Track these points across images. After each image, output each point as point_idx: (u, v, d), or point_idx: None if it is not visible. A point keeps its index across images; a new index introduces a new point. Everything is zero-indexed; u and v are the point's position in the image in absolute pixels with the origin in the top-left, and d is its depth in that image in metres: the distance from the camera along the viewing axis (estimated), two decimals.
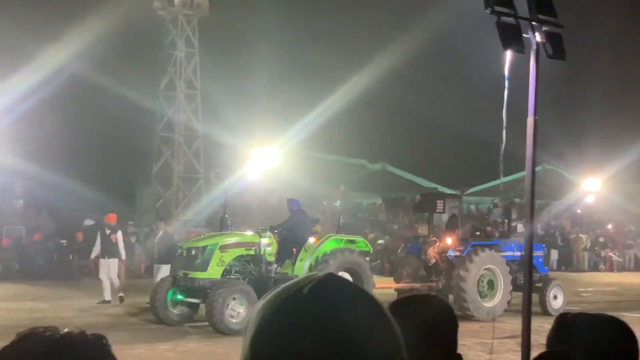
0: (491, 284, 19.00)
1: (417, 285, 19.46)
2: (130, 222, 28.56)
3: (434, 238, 19.77)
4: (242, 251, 16.65)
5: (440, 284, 19.19)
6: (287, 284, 1.23)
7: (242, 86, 34.13)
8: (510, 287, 19.07)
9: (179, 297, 16.13)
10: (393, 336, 1.22)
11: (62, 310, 17.45)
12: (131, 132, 33.63)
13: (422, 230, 21.80)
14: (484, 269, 18.95)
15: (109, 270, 19.01)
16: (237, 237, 16.91)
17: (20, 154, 27.82)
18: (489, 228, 21.30)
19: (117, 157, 33.71)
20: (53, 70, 28.64)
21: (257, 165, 27.32)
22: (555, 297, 19.55)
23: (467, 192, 27.13)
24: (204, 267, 16.00)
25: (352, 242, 17.78)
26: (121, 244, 19.40)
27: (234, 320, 15.47)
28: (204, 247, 16.32)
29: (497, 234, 20.60)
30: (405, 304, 2.40)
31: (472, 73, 39.23)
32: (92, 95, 32.74)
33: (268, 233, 16.89)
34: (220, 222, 18.20)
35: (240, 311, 15.46)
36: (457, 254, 19.22)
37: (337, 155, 39.66)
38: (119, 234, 19.49)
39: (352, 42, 39.21)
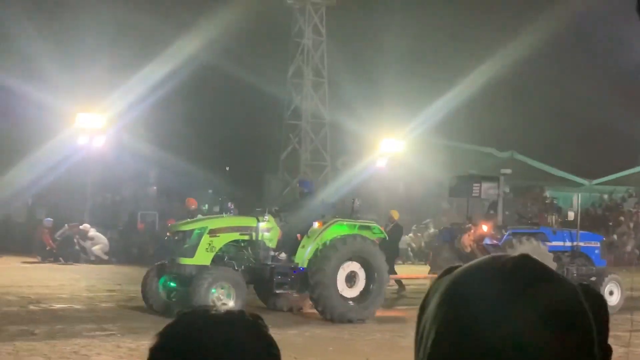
0: None
1: None
2: (258, 209, 28.90)
3: (469, 224, 18.06)
4: (235, 236, 15.00)
5: None
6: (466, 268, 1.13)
7: (369, 74, 34.04)
8: None
9: (172, 284, 14.81)
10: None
11: None
12: (259, 120, 34.13)
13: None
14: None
15: None
16: (231, 220, 15.35)
17: (153, 142, 28.63)
18: (552, 215, 19.79)
19: (245, 145, 34.27)
20: (184, 59, 29.27)
21: (384, 152, 27.22)
22: (611, 293, 17.22)
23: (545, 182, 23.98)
24: (191, 252, 14.53)
25: (367, 227, 15.84)
26: None
27: None
28: (191, 231, 14.82)
29: (631, 225, 19.43)
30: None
31: (607, 60, 37.94)
32: (221, 84, 33.35)
33: (266, 217, 15.10)
34: (220, 206, 16.75)
35: (228, 303, 13.82)
36: (494, 242, 17.44)
37: (465, 143, 39.07)
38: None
39: (481, 29, 38.50)
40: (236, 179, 29.18)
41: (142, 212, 27.65)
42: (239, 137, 34.41)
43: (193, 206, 19.79)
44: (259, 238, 14.93)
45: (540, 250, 16.98)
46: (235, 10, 29.81)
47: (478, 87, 31.67)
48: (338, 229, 15.43)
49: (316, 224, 15.33)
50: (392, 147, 29.52)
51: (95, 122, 27.57)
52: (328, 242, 15.14)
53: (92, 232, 24.66)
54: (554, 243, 17.80)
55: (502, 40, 32.27)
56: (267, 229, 15.02)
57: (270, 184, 34.57)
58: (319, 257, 15.02)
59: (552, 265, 16.24)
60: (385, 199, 28.15)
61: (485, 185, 18.20)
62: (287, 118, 34.61)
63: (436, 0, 39.67)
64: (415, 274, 20.81)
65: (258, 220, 14.94)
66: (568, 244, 17.76)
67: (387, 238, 17.02)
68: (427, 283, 18.15)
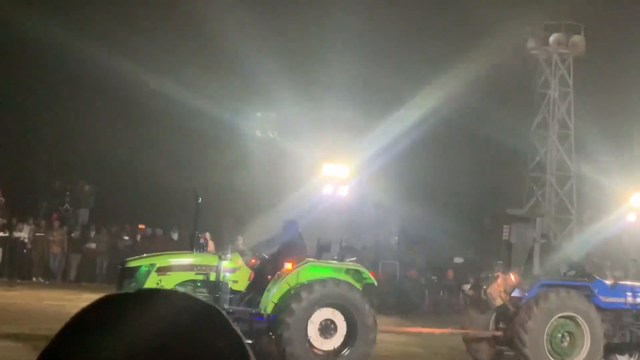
0: (572, 338, 14.50)
1: (474, 332, 15.26)
2: (499, 262, 28.45)
3: (498, 273, 15.57)
4: (190, 275, 13.42)
5: (508, 332, 14.79)
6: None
7: (618, 125, 32.74)
8: (603, 344, 14.50)
9: None
10: None
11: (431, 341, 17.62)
12: (501, 173, 33.67)
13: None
14: (561, 317, 14.50)
15: None
16: (187, 257, 13.81)
17: (396, 192, 28.99)
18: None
19: (486, 197, 33.86)
20: (425, 112, 29.61)
21: (634, 206, 25.87)
22: None
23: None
24: None
25: (356, 272, 13.76)
26: None
27: None
28: (137, 268, 13.41)
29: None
30: None
31: None
32: (462, 136, 33.31)
33: (228, 255, 13.52)
34: (190, 241, 14.88)
35: None
36: (522, 294, 14.99)
37: None
38: None
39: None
40: (478, 231, 28.83)
41: (384, 262, 27.94)
42: (480, 189, 34.09)
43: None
44: (221, 279, 13.38)
45: (584, 305, 14.65)
46: (477, 62, 29.83)
47: None
48: (311, 272, 13.58)
49: (288, 265, 13.65)
50: None
51: (339, 171, 28.33)
52: (294, 290, 13.38)
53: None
54: (611, 299, 15.20)
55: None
56: (231, 269, 13.57)
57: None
58: (282, 306, 13.32)
59: (601, 325, 14.28)
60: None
61: (516, 226, 16.06)
62: (531, 170, 33.97)
63: None
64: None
65: (220, 259, 13.50)
66: (635, 300, 15.13)
67: None
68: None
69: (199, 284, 13.44)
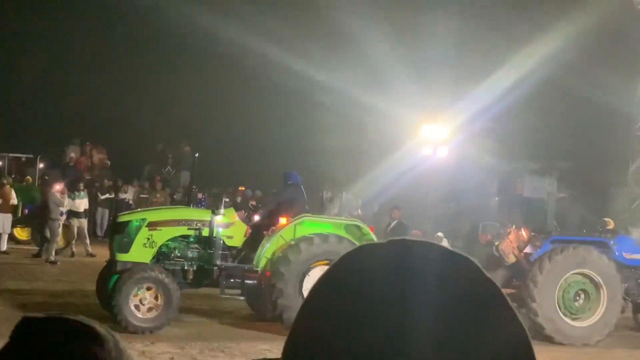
0: (587, 296, 13.80)
1: None
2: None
3: (510, 229, 15.07)
4: (182, 230, 13.14)
5: (521, 290, 13.91)
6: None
7: None
8: (622, 302, 13.71)
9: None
10: None
11: None
12: (604, 133, 32.90)
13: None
14: (575, 273, 13.73)
15: None
16: (177, 212, 13.68)
17: (495, 153, 28.64)
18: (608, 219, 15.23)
19: (590, 158, 33.17)
20: (527, 71, 29.14)
21: None
22: None
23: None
24: (127, 247, 12.84)
25: (357, 228, 13.23)
26: None
27: (140, 315, 12.39)
28: (128, 223, 13.08)
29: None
30: None
31: None
32: (564, 95, 32.64)
33: (222, 210, 13.12)
34: (187, 196, 14.61)
35: (156, 306, 12.42)
36: (533, 251, 14.20)
37: None
38: None
39: None
40: (580, 192, 28.29)
41: (484, 223, 27.66)
42: (583, 150, 33.40)
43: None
44: (214, 234, 13.10)
45: (600, 262, 13.79)
46: (580, 21, 29.12)
47: None
48: (309, 227, 13.12)
49: (284, 220, 13.24)
50: None
51: (439, 133, 28.22)
52: (292, 242, 12.94)
53: (445, 242, 25.10)
54: (636, 256, 14.30)
55: None
56: (225, 224, 13.26)
57: (617, 197, 33.09)
58: (277, 258, 12.89)
59: (621, 284, 13.31)
60: None
61: (530, 180, 15.14)
62: (636, 130, 33.00)
63: None
64: None
65: (213, 214, 13.20)
66: None
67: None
68: None
69: (191, 239, 13.23)
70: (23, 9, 31.84)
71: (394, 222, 19.02)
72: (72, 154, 30.84)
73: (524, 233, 14.74)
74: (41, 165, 28.23)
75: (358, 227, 13.43)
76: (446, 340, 0.96)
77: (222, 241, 13.17)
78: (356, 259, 1.04)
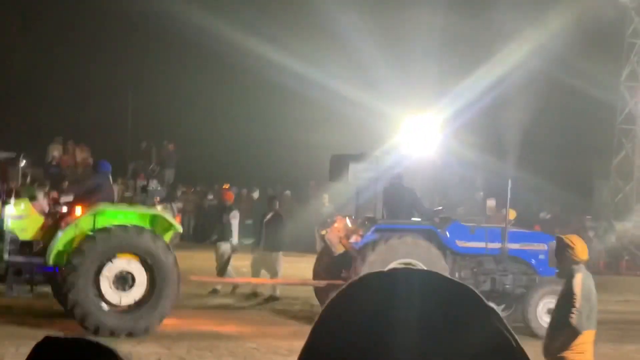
0: None
1: (319, 283, 13.76)
2: (587, 217, 28.12)
3: (337, 217, 14.50)
4: None
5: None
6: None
7: None
8: None
9: None
10: None
11: None
12: (587, 125, 32.97)
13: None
14: (402, 264, 12.58)
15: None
16: None
17: (480, 147, 28.60)
18: (441, 208, 14.88)
19: (573, 151, 33.24)
20: (512, 65, 29.08)
21: None
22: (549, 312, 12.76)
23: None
24: None
25: (163, 219, 12.57)
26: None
27: None
28: None
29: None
30: None
31: None
32: (548, 89, 32.64)
33: (12, 200, 12.41)
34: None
35: None
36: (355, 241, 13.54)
37: None
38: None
39: None
40: (564, 185, 28.37)
41: (468, 217, 27.68)
42: (566, 142, 33.46)
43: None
44: (4, 227, 12.34)
45: (427, 251, 13.25)
46: (564, 15, 29.11)
47: None
48: (110, 217, 12.30)
49: (80, 211, 12.35)
50: None
51: (423, 127, 28.06)
52: (90, 233, 12.18)
53: None
54: (470, 244, 13.98)
55: None
56: (17, 216, 12.52)
57: (601, 190, 33.22)
58: (71, 251, 12.15)
59: (442, 269, 11.96)
60: None
61: (354, 166, 14.36)
62: (620, 123, 33.09)
63: None
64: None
65: (3, 204, 12.46)
66: (494, 245, 13.85)
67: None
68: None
69: None
70: (2, 7, 31.55)
71: (270, 214, 17.55)
72: (55, 152, 30.56)
73: (348, 222, 14.14)
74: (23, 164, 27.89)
75: (164, 218, 12.80)
76: (429, 348, 1.01)
77: (13, 235, 12.47)
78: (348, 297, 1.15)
